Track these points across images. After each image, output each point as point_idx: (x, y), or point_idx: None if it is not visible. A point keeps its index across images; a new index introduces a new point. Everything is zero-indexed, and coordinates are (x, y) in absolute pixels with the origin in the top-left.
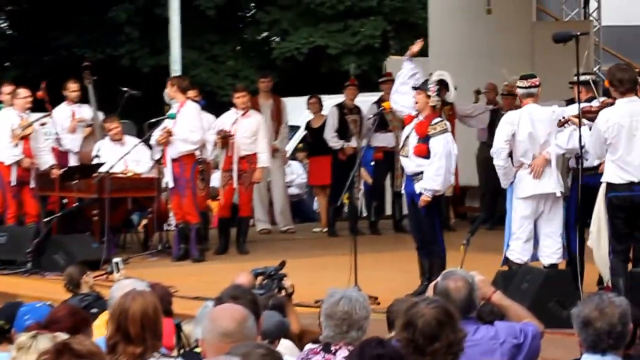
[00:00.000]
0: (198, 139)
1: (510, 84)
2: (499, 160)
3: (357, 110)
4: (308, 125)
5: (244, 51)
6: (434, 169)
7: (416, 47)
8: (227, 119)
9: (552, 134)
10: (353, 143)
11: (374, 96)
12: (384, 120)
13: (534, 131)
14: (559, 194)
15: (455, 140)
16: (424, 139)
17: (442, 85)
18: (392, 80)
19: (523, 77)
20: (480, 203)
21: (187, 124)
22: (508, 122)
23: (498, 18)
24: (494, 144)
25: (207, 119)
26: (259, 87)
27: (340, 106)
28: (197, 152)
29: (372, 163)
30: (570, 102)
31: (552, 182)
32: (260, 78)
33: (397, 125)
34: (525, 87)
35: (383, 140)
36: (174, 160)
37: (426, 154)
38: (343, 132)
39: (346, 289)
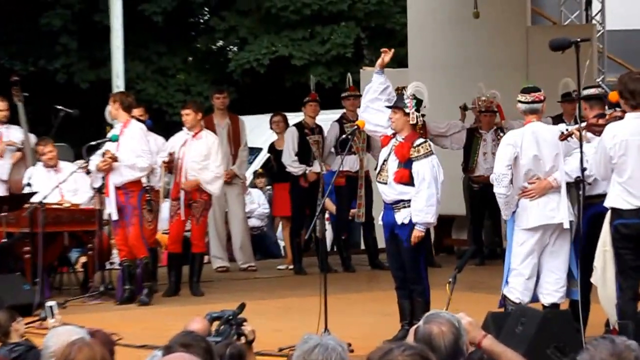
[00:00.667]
0: (146, 165)
1: (489, 99)
2: (500, 187)
3: (319, 129)
4: (271, 148)
5: (196, 63)
6: (424, 198)
7: (386, 57)
8: (177, 141)
9: (560, 156)
10: (316, 167)
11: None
12: (346, 141)
13: (539, 153)
14: (567, 225)
15: None
16: (406, 163)
17: (417, 99)
18: (356, 96)
19: (525, 91)
20: (468, 235)
21: (133, 147)
22: (510, 143)
23: (487, 22)
24: (495, 169)
25: (156, 141)
26: (214, 104)
27: (299, 126)
28: (144, 179)
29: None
30: (557, 119)
31: (562, 212)
32: (215, 94)
33: (361, 146)
34: (528, 102)
35: (345, 163)
36: (117, 189)
37: (408, 180)
38: (304, 155)
39: (323, 335)
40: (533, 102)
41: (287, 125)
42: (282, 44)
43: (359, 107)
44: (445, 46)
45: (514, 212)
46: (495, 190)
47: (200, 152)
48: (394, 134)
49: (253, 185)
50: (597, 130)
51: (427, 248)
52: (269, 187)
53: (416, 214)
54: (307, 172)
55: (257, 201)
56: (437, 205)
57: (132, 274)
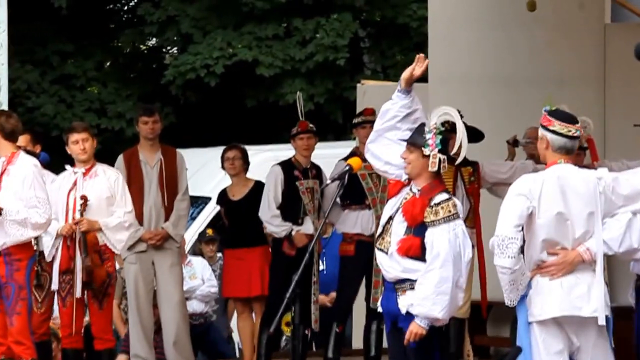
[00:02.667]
0: (44, 221)
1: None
2: (504, 258)
3: (315, 172)
4: (223, 197)
5: (116, 70)
6: (434, 282)
7: (418, 68)
8: (64, 184)
9: (597, 217)
10: (307, 227)
11: (341, 148)
12: (357, 189)
13: (566, 210)
14: (601, 322)
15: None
16: (417, 228)
17: (450, 132)
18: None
19: (560, 117)
20: (512, 330)
21: (23, 193)
22: (522, 193)
23: (546, 17)
24: (497, 231)
25: (53, 184)
26: (140, 130)
27: (287, 165)
28: (33, 241)
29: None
30: None
31: (594, 300)
32: (142, 116)
33: (379, 196)
34: (560, 134)
35: (355, 222)
36: None
37: (419, 253)
38: (291, 208)
39: None
40: (569, 136)
41: (246, 163)
42: (243, 44)
43: None
44: (483, 51)
45: (524, 297)
46: (497, 262)
47: (98, 196)
48: (409, 181)
49: (196, 252)
50: None
51: (445, 348)
52: (220, 256)
53: (419, 302)
54: (293, 233)
55: (201, 275)
56: (456, 293)
57: None
